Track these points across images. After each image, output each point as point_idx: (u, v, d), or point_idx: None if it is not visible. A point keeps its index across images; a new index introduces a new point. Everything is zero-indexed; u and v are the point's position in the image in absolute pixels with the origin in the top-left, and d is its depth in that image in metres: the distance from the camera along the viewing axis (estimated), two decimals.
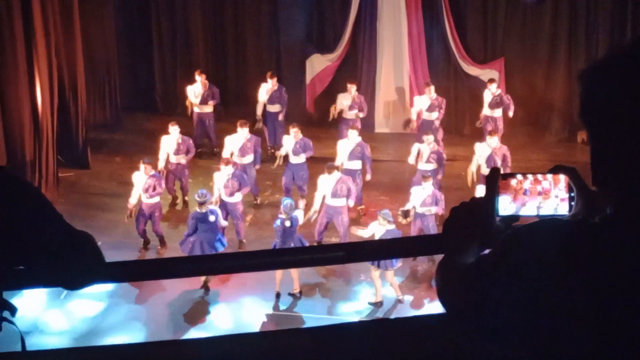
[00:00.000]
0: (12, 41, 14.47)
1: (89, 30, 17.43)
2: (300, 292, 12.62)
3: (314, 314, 12.21)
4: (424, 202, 13.31)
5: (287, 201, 12.94)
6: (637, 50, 1.50)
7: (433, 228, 13.32)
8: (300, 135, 15.04)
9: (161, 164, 14.89)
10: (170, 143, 15.14)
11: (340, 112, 16.95)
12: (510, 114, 16.63)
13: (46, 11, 15.17)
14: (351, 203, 13.92)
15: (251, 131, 15.51)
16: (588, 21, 17.69)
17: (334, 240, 13.51)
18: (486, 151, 14.59)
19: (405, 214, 13.40)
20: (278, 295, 12.52)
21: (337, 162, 14.63)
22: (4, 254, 1.91)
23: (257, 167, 15.42)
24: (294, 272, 12.45)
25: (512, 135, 16.98)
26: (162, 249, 13.82)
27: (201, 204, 12.76)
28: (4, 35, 14.42)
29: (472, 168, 14.58)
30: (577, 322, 1.49)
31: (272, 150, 16.75)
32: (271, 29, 19.22)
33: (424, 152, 14.71)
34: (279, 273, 12.37)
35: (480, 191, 12.82)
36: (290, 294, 12.55)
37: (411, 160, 14.83)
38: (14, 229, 1.90)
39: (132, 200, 13.68)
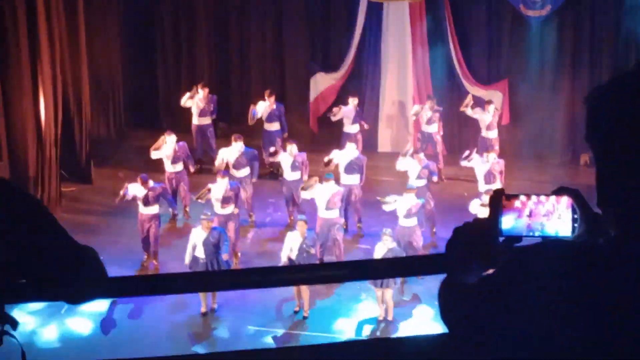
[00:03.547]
0: (18, 56, 14.54)
1: (94, 46, 17.49)
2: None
3: (314, 332, 12.17)
4: (409, 212, 13.25)
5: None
6: None
7: (419, 238, 13.33)
8: (296, 151, 15.04)
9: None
10: (167, 152, 15.08)
11: (341, 123, 17.06)
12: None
13: (52, 27, 15.22)
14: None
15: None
16: (592, 43, 17.75)
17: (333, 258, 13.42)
18: (484, 168, 14.70)
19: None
20: (296, 313, 12.54)
21: (327, 158, 14.91)
22: (6, 267, 1.91)
23: (254, 179, 15.43)
24: (305, 293, 12.44)
25: (516, 156, 17.02)
26: (156, 262, 13.67)
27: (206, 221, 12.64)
28: (10, 50, 14.49)
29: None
30: (580, 343, 1.49)
31: (270, 168, 16.77)
32: (276, 47, 19.27)
33: (414, 168, 14.72)
34: (297, 292, 12.40)
35: (475, 207, 12.93)
36: (297, 313, 12.58)
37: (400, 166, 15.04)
38: (17, 242, 1.89)
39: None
